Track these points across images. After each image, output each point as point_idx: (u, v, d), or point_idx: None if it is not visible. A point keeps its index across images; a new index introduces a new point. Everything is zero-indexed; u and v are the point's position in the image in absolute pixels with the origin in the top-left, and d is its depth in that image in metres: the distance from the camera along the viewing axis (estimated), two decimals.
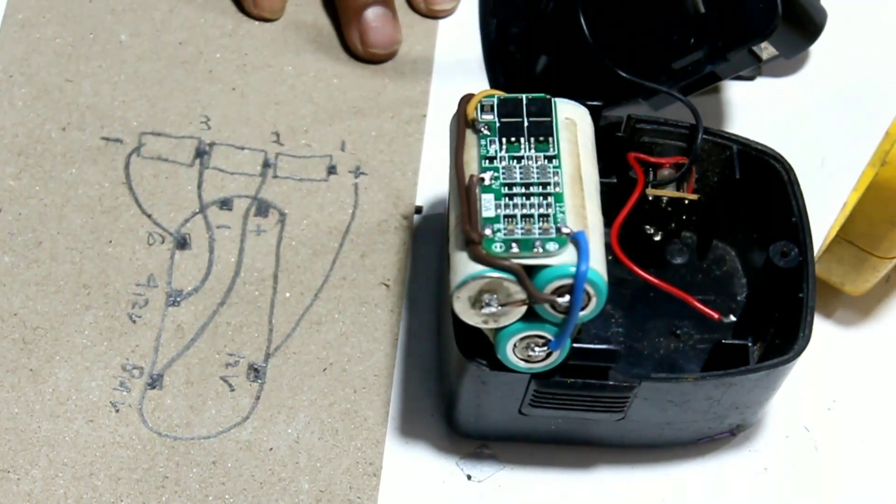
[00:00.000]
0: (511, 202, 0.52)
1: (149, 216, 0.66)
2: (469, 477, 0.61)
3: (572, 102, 0.56)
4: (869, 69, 0.72)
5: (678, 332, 0.61)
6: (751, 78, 0.71)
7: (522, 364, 0.54)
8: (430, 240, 0.66)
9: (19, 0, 0.70)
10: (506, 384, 0.56)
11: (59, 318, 0.63)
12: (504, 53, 0.71)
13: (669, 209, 0.60)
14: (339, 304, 0.64)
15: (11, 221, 0.65)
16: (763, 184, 0.60)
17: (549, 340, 0.53)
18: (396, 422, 0.61)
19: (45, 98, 0.68)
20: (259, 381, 0.62)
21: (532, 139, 0.54)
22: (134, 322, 0.63)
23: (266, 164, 0.67)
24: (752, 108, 0.70)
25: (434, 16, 0.73)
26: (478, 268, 0.51)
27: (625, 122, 0.60)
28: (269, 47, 0.71)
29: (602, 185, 0.55)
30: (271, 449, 0.60)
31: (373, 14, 0.70)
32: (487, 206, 0.52)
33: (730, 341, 0.58)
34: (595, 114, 0.58)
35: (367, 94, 0.70)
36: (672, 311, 0.61)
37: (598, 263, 0.52)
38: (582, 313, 0.52)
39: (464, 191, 0.53)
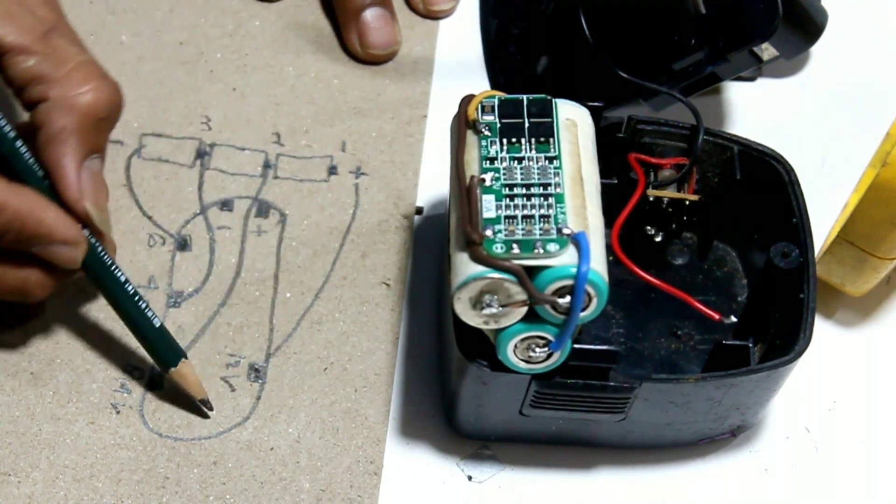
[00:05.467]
0: (512, 203, 0.52)
1: (149, 218, 0.66)
2: (470, 478, 0.61)
3: (573, 103, 0.56)
4: (869, 70, 0.72)
5: (679, 332, 0.61)
6: (751, 79, 0.71)
7: (523, 365, 0.54)
8: (431, 240, 0.66)
9: None
10: (506, 385, 0.56)
11: (60, 321, 0.63)
12: (504, 54, 0.71)
13: (670, 210, 0.60)
14: (340, 304, 0.64)
15: None
16: (764, 184, 0.60)
17: (550, 341, 0.53)
18: (397, 422, 0.61)
19: None
20: (260, 381, 0.62)
21: (533, 140, 0.54)
22: None
23: (267, 165, 0.67)
24: (753, 109, 0.70)
25: (432, 16, 0.73)
26: (478, 268, 0.51)
27: (625, 122, 0.60)
28: (270, 48, 0.71)
29: (603, 185, 0.55)
30: (272, 448, 0.60)
31: (371, 15, 0.70)
32: (488, 206, 0.52)
33: (730, 342, 0.58)
34: (596, 114, 0.58)
35: (367, 95, 0.70)
36: (673, 312, 0.61)
37: (598, 264, 0.52)
38: (583, 314, 0.52)
39: (464, 191, 0.53)
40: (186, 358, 0.60)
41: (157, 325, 0.59)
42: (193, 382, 0.60)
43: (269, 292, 0.64)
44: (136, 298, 0.59)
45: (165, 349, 0.60)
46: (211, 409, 0.60)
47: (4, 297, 0.59)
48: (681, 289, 0.56)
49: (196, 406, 0.61)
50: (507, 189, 0.53)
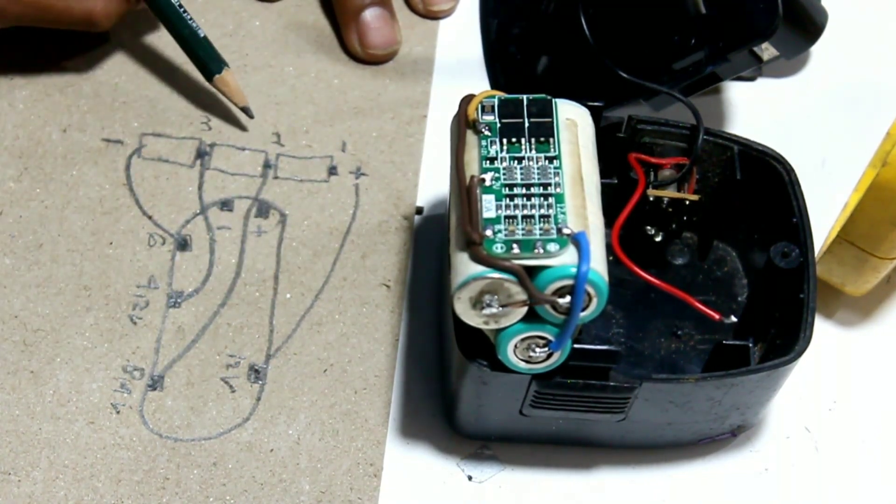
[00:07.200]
0: (512, 203, 0.52)
1: (149, 217, 0.66)
2: (470, 478, 0.61)
3: (573, 103, 0.56)
4: (869, 70, 0.72)
5: (679, 332, 0.61)
6: (751, 78, 0.71)
7: (523, 365, 0.54)
8: (431, 241, 0.66)
9: None
10: (507, 385, 0.56)
11: (60, 320, 0.63)
12: (505, 54, 0.71)
13: (670, 210, 0.60)
14: (340, 305, 0.64)
15: (12, 223, 0.65)
16: (764, 184, 0.60)
17: (550, 341, 0.53)
18: (397, 423, 0.61)
19: (46, 100, 0.68)
20: (260, 382, 0.62)
21: (533, 140, 0.54)
22: (134, 323, 0.63)
23: (267, 165, 0.67)
24: (753, 109, 0.70)
25: (432, 16, 0.73)
26: (479, 268, 0.51)
27: (626, 122, 0.60)
28: (270, 48, 0.71)
29: (603, 185, 0.55)
30: (272, 450, 0.60)
31: (371, 15, 0.70)
32: (488, 206, 0.52)
33: (731, 342, 0.58)
34: (596, 114, 0.58)
35: (367, 95, 0.70)
36: (673, 312, 0.61)
37: (598, 264, 0.52)
38: (583, 314, 0.52)
39: (464, 191, 0.53)
40: (228, 67, 0.67)
41: (202, 35, 0.67)
42: (235, 89, 0.67)
43: (269, 293, 0.64)
44: (182, 10, 0.67)
45: (209, 58, 0.67)
46: (252, 117, 0.67)
47: (73, 26, 0.66)
48: (681, 289, 0.56)
49: (236, 119, 0.68)
50: (507, 189, 0.53)
